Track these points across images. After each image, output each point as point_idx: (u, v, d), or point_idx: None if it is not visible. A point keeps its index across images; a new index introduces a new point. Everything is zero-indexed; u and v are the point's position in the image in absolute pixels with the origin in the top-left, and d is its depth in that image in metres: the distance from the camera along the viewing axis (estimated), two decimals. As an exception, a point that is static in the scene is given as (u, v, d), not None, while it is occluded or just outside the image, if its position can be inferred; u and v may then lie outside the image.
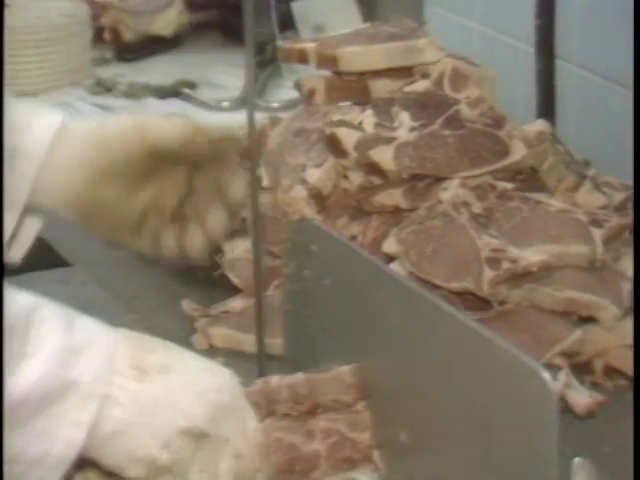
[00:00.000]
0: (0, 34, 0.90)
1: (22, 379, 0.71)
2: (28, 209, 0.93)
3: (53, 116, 0.93)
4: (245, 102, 0.91)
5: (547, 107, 1.38)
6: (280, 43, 1.21)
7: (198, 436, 0.75)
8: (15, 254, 0.94)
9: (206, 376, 0.77)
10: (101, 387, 0.73)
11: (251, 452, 0.77)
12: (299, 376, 0.83)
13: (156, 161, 0.92)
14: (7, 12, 1.71)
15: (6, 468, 0.72)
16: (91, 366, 0.73)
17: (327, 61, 1.13)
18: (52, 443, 0.72)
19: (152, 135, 0.92)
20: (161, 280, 1.13)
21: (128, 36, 1.89)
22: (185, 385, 0.75)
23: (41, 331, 0.73)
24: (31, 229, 0.95)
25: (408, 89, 1.11)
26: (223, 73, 1.77)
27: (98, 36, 1.85)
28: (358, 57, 1.12)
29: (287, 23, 1.79)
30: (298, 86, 1.17)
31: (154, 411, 0.74)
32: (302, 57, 1.15)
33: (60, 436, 0.72)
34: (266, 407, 0.82)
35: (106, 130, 0.92)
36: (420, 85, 1.11)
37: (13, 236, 0.94)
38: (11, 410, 0.71)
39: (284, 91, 1.66)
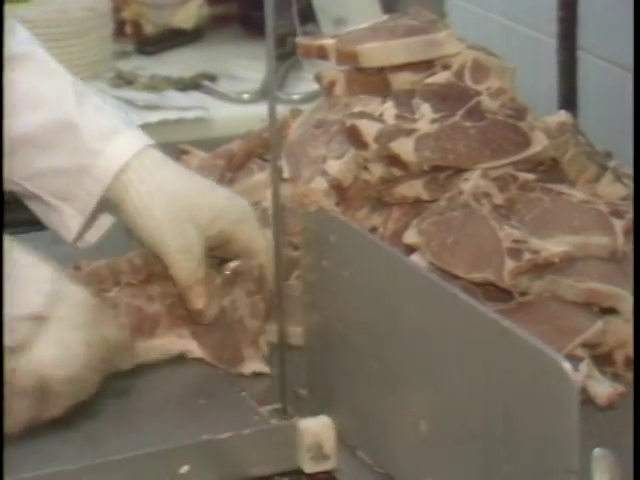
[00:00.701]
0: (0, 34, 0.90)
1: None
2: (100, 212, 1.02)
3: (136, 138, 1.00)
4: (265, 94, 0.91)
5: (569, 98, 1.37)
6: (299, 39, 1.20)
7: (39, 319, 0.83)
8: (85, 241, 1.03)
9: (40, 269, 0.85)
10: None
11: (93, 323, 0.86)
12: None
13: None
14: (28, 6, 1.73)
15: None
16: None
17: (347, 57, 1.13)
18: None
19: (239, 244, 1.00)
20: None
21: (149, 29, 1.90)
22: (25, 277, 0.84)
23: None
24: (105, 222, 1.04)
25: (429, 81, 1.11)
26: (243, 66, 1.77)
27: (119, 29, 1.86)
28: (378, 53, 1.12)
29: (307, 16, 1.79)
30: (318, 78, 1.17)
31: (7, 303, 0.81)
32: (322, 53, 1.15)
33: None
34: (112, 278, 0.96)
35: (194, 197, 0.99)
36: (441, 77, 1.11)
37: (78, 237, 1.02)
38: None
39: (304, 83, 1.66)
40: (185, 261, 0.96)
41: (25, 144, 0.98)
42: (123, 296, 0.96)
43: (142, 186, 0.97)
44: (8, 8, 1.78)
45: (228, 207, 0.99)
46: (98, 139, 0.98)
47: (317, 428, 0.85)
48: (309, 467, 0.84)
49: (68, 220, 1.01)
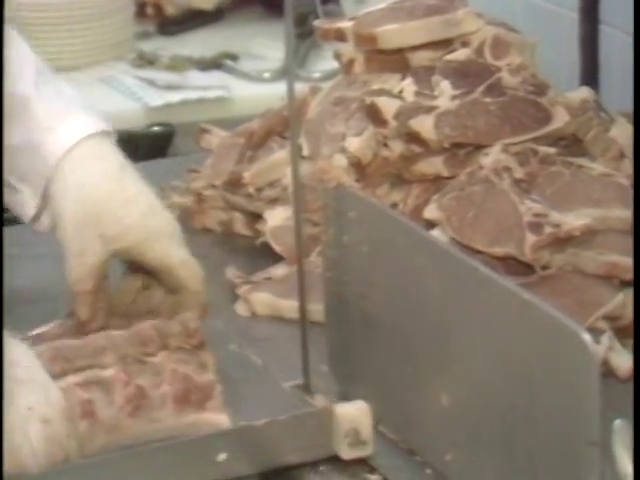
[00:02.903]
0: (0, 34, 0.90)
1: None
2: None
3: (79, 125, 0.95)
4: (286, 73, 0.91)
5: (591, 74, 1.36)
6: (317, 22, 1.20)
7: None
8: (44, 223, 0.97)
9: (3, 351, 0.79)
10: None
11: (59, 417, 0.79)
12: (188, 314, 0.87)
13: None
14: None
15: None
16: None
17: (366, 40, 1.12)
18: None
19: (151, 262, 0.94)
20: (204, 248, 1.14)
21: (170, 10, 1.90)
22: None
23: None
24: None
25: (449, 58, 1.10)
26: (264, 45, 1.77)
27: (140, 11, 1.86)
28: (397, 34, 1.12)
29: (329, -5, 1.79)
30: (337, 56, 1.17)
31: None
32: (340, 36, 1.15)
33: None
34: (159, 341, 0.84)
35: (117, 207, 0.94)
36: (461, 54, 1.11)
37: (35, 219, 0.97)
38: None
39: (325, 62, 1.66)
40: (78, 266, 0.92)
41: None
42: (169, 362, 0.84)
43: (70, 179, 0.93)
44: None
45: (140, 223, 0.93)
46: (50, 119, 0.95)
47: (354, 413, 0.83)
48: (347, 453, 0.83)
49: (27, 200, 0.96)
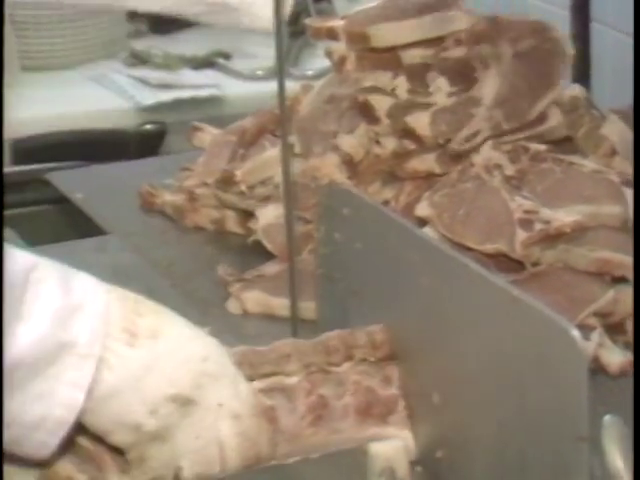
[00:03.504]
0: (0, 33, 0.90)
1: (19, 341, 0.70)
2: None
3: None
4: (275, 71, 0.91)
5: (582, 71, 1.36)
6: (308, 21, 1.20)
7: (184, 403, 0.74)
8: None
9: (194, 344, 0.76)
10: (97, 349, 0.73)
11: (249, 412, 0.77)
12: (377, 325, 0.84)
13: None
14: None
15: (6, 433, 0.71)
16: (87, 327, 0.72)
17: (358, 39, 1.12)
18: (51, 405, 0.71)
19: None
20: (196, 247, 1.14)
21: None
22: (173, 352, 0.75)
23: (37, 291, 0.72)
24: None
25: (444, 55, 1.11)
26: (257, 43, 1.77)
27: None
28: (389, 33, 1.12)
29: (321, -8, 1.79)
30: (329, 54, 1.17)
31: (142, 377, 0.74)
32: (332, 35, 1.15)
33: (59, 398, 0.71)
34: (344, 352, 0.83)
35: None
36: (457, 51, 1.11)
37: None
38: (9, 373, 0.70)
39: (318, 60, 1.66)
40: None
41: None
42: (353, 373, 0.82)
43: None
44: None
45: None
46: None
47: (389, 452, 0.81)
48: None
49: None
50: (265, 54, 1.72)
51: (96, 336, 0.73)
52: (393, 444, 0.81)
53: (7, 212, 1.22)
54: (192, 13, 1.07)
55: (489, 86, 1.05)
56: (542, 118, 1.06)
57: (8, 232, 1.07)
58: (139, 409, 0.73)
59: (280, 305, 1.01)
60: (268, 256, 1.09)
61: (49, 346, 0.72)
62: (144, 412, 0.73)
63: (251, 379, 0.80)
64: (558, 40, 1.08)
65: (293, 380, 0.81)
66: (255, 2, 0.99)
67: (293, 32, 1.69)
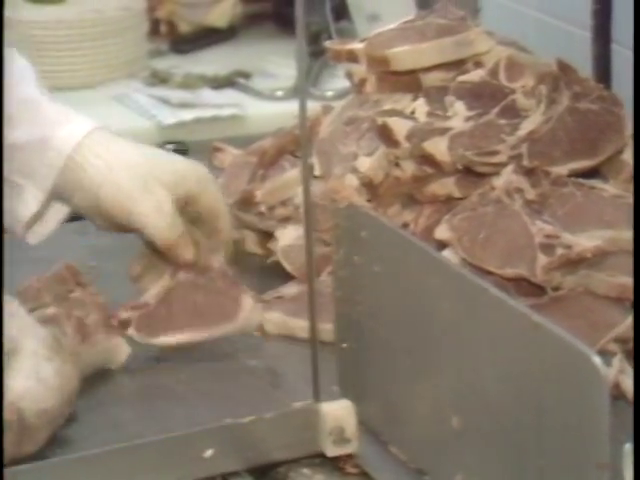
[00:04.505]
0: (0, 33, 0.91)
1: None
2: (56, 198, 1.00)
3: (87, 120, 1.00)
4: (296, 91, 0.91)
5: (603, 93, 1.36)
6: (328, 43, 1.21)
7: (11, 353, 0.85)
8: (36, 233, 1.02)
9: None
10: None
11: (57, 356, 0.87)
12: None
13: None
14: (63, 6, 1.74)
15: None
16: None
17: (377, 61, 1.12)
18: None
19: (201, 191, 1.00)
20: (215, 268, 1.14)
21: (183, 28, 1.91)
22: None
23: None
24: (58, 214, 1.01)
25: (462, 78, 1.11)
26: (277, 63, 1.78)
27: (154, 29, 1.87)
28: (409, 56, 1.12)
29: (341, 12, 1.79)
30: (349, 75, 1.17)
31: None
32: (352, 57, 1.15)
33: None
34: (73, 279, 1.00)
35: (157, 165, 1.00)
36: (475, 75, 1.11)
37: (37, 217, 1.00)
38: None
39: (339, 80, 1.66)
40: (162, 220, 0.96)
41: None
42: (88, 295, 0.97)
43: (99, 161, 0.97)
44: (44, 8, 1.80)
45: (190, 169, 1.00)
46: (58, 114, 0.99)
47: (338, 411, 0.85)
48: (331, 451, 0.85)
49: (28, 199, 0.98)
50: (285, 74, 1.72)
51: None
52: (342, 404, 0.85)
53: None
54: None
55: (530, 122, 1.05)
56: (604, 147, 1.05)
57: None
58: None
59: (299, 327, 1.01)
60: (287, 277, 1.09)
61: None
62: None
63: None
64: (621, 118, 1.07)
65: (52, 310, 0.95)
66: None
67: (313, 52, 1.69)
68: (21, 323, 0.86)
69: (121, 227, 0.98)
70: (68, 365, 0.86)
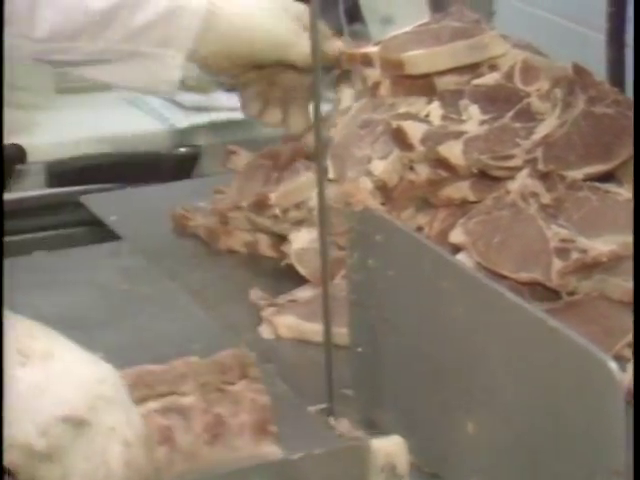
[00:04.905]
0: (0, 34, 0.91)
1: None
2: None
3: None
4: (310, 94, 0.91)
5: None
6: (342, 48, 1.21)
7: (78, 424, 0.74)
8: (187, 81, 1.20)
9: (89, 367, 0.77)
10: None
11: (139, 441, 0.76)
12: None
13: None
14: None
15: None
16: None
17: (392, 65, 1.12)
18: None
19: (290, 55, 1.13)
20: (229, 270, 1.14)
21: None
22: (67, 374, 0.75)
23: None
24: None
25: (477, 82, 1.10)
26: (291, 66, 1.77)
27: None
28: (424, 60, 1.12)
29: (354, 15, 1.79)
30: (363, 79, 1.17)
31: (33, 397, 0.74)
32: (366, 61, 1.15)
33: None
34: (239, 370, 0.83)
35: (257, 31, 1.13)
36: (490, 78, 1.10)
37: (177, 79, 1.13)
38: None
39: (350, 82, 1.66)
40: (305, 39, 1.09)
41: (118, 9, 1.08)
42: (248, 391, 0.83)
43: (233, 7, 1.10)
44: None
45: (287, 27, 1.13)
46: None
47: (390, 448, 0.82)
48: None
49: (170, 62, 1.10)
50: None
51: None
52: (393, 441, 0.82)
53: (41, 234, 1.24)
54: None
55: (545, 125, 1.05)
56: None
57: (41, 255, 1.08)
58: (30, 429, 0.73)
59: (313, 330, 1.00)
60: (301, 280, 1.09)
61: None
62: (35, 433, 0.73)
63: (146, 399, 0.80)
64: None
65: (189, 399, 0.81)
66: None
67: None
68: (107, 393, 0.76)
69: (248, 63, 1.13)
70: (143, 459, 0.76)
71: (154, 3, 1.09)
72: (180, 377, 0.82)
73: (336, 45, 1.16)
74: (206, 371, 0.83)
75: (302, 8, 1.11)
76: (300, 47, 1.11)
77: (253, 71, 1.16)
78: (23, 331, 0.76)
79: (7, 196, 1.27)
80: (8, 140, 1.32)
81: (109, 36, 1.08)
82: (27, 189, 1.29)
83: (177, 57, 1.10)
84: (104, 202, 1.26)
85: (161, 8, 1.09)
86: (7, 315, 0.75)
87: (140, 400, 0.80)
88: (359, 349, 0.91)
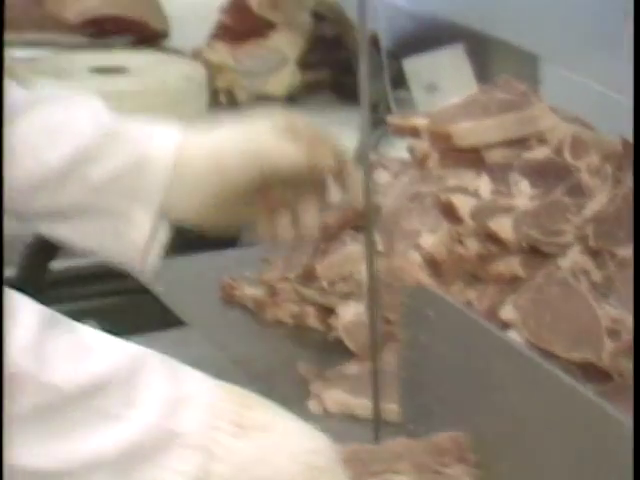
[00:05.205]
0: (0, 34, 0.91)
1: (132, 427, 0.72)
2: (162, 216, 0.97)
3: (171, 129, 0.99)
4: (358, 162, 0.91)
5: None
6: (391, 118, 1.21)
7: None
8: (149, 264, 0.99)
9: (303, 438, 0.77)
10: (204, 440, 0.74)
11: None
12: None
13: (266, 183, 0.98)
14: (126, 77, 1.76)
15: None
16: (194, 418, 0.74)
17: (441, 138, 1.13)
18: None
19: (269, 166, 0.97)
20: (276, 341, 1.14)
21: (242, 97, 1.92)
22: (282, 445, 0.75)
23: (149, 380, 0.74)
24: (160, 238, 0.99)
25: (527, 156, 1.10)
26: (336, 133, 1.78)
27: (213, 98, 1.88)
28: (472, 133, 1.12)
29: (399, 81, 1.80)
30: (411, 150, 1.18)
31: (252, 469, 0.74)
32: (414, 133, 1.15)
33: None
34: (456, 453, 0.83)
35: (225, 159, 0.97)
36: (539, 152, 1.11)
37: (150, 240, 0.97)
38: (119, 457, 0.72)
39: (396, 151, 1.67)
40: (292, 147, 0.98)
41: (78, 164, 0.94)
42: (465, 475, 0.83)
43: (202, 156, 0.97)
44: (107, 78, 1.82)
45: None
46: (144, 131, 0.97)
47: None
48: None
49: (138, 221, 0.95)
50: (344, 144, 1.73)
51: (203, 427, 0.74)
52: None
53: (88, 303, 1.24)
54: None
55: (596, 202, 1.04)
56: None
57: (90, 323, 1.08)
58: None
59: (361, 406, 1.00)
60: (348, 353, 1.08)
61: (158, 434, 0.73)
62: None
63: (360, 476, 0.80)
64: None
65: (403, 478, 0.81)
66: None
67: (372, 121, 1.69)
68: (326, 467, 0.76)
69: (231, 216, 0.98)
70: None
71: (117, 152, 0.95)
72: (396, 456, 0.82)
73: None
74: (422, 452, 0.82)
75: (294, 120, 1.01)
76: (287, 159, 0.97)
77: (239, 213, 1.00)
78: (237, 400, 0.76)
79: (57, 264, 1.28)
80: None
81: (69, 191, 0.94)
82: (75, 257, 1.30)
83: (146, 217, 0.95)
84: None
85: (124, 159, 0.95)
86: (220, 383, 0.76)
87: (354, 476, 0.80)
88: (411, 426, 0.90)
